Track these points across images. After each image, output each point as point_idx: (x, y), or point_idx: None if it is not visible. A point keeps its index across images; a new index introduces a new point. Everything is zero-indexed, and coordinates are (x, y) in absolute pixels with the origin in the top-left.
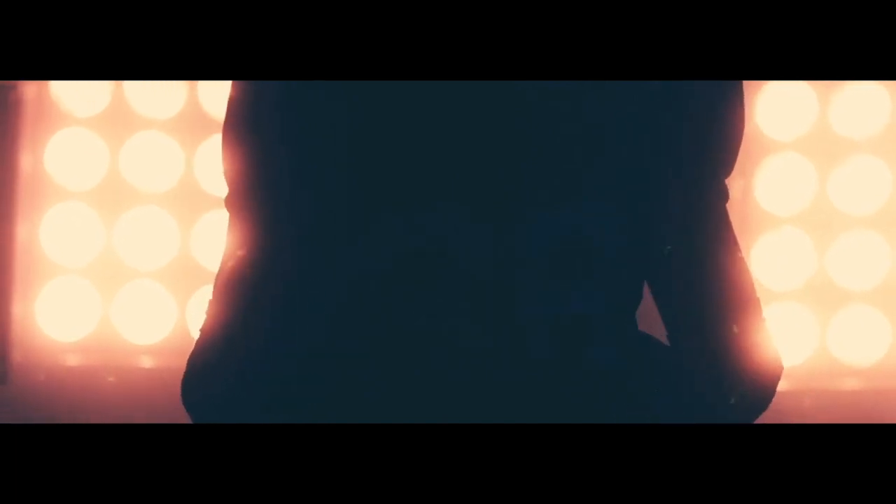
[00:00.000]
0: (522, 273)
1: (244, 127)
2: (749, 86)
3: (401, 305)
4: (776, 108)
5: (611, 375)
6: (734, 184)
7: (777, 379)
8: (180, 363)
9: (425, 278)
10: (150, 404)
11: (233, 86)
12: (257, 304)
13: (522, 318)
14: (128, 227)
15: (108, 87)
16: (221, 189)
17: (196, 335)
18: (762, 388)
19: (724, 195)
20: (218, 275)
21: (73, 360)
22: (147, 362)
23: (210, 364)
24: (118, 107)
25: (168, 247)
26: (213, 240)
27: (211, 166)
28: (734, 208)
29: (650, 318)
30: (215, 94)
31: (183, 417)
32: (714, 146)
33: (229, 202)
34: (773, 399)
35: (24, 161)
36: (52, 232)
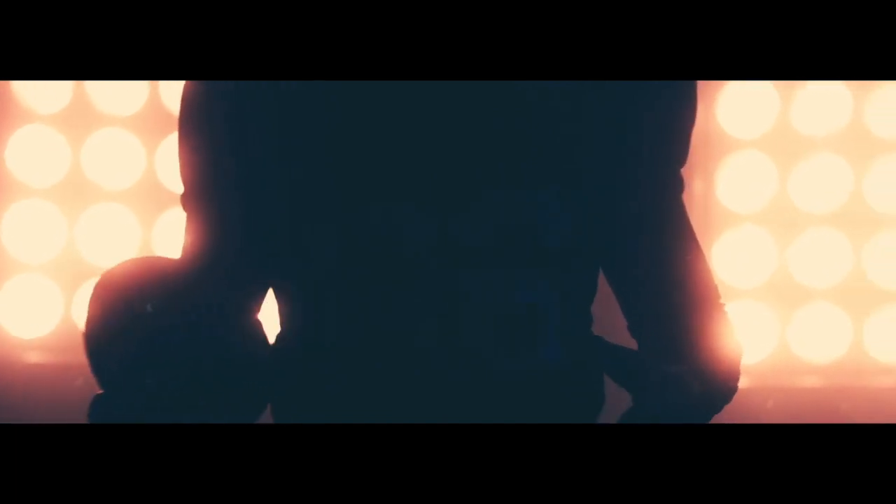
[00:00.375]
0: (470, 266)
1: (197, 126)
2: (711, 85)
3: (350, 301)
4: (738, 106)
5: (561, 374)
6: (696, 182)
7: (737, 373)
8: None
9: (373, 272)
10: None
11: (186, 85)
12: (205, 299)
13: (470, 312)
14: (89, 224)
15: (70, 85)
16: (180, 187)
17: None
18: (722, 383)
19: (680, 186)
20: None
21: (34, 358)
22: None
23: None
24: (80, 104)
25: (129, 243)
26: (174, 237)
27: (173, 163)
28: (696, 206)
29: (609, 314)
30: (177, 92)
31: (151, 418)
32: (667, 140)
33: (184, 201)
34: (734, 396)
35: None
36: (13, 229)
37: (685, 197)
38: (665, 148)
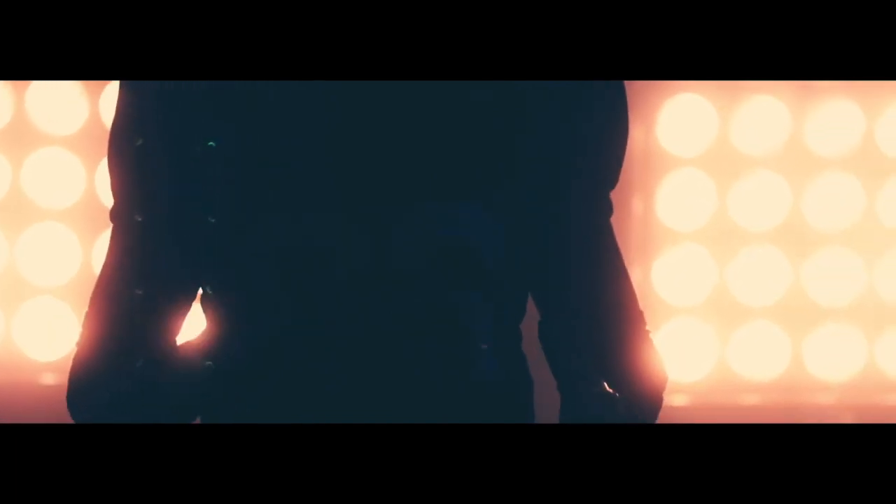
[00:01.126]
0: (404, 281)
1: (121, 132)
2: (649, 102)
3: (282, 310)
4: (677, 124)
5: (494, 386)
6: (635, 200)
7: (662, 391)
8: None
9: (304, 283)
10: (51, 421)
11: (118, 91)
12: (138, 307)
13: (402, 322)
14: (30, 244)
15: (10, 102)
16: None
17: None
18: (648, 400)
19: (609, 210)
20: (97, 285)
21: (50, 381)
22: (49, 379)
23: (93, 373)
24: (20, 123)
25: (70, 263)
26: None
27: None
28: (636, 224)
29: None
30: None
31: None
32: (597, 163)
33: (112, 212)
34: (661, 412)
35: None
36: (27, 252)
37: (616, 219)
38: (595, 170)
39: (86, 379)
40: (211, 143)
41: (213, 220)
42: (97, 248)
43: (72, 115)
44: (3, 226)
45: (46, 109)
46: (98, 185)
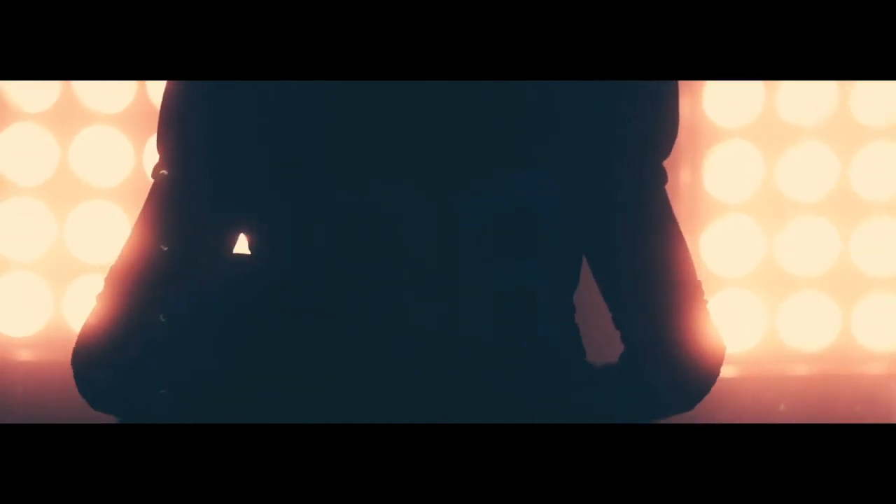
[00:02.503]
0: (466, 249)
1: (171, 125)
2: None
3: (343, 287)
4: (724, 96)
5: (557, 354)
6: (683, 172)
7: (719, 361)
8: None
9: (369, 256)
10: None
11: (167, 85)
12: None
13: (466, 294)
14: (79, 222)
15: (57, 84)
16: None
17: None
18: (703, 374)
19: (663, 178)
20: (118, 267)
21: (25, 356)
22: None
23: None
24: (67, 102)
25: (119, 240)
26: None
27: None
28: (684, 196)
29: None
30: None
31: (142, 417)
32: (650, 134)
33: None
34: (717, 384)
35: None
36: (2, 227)
37: (669, 188)
38: (648, 141)
39: (98, 345)
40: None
41: (277, 194)
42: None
43: (120, 93)
44: (52, 205)
45: (94, 87)
46: (146, 163)
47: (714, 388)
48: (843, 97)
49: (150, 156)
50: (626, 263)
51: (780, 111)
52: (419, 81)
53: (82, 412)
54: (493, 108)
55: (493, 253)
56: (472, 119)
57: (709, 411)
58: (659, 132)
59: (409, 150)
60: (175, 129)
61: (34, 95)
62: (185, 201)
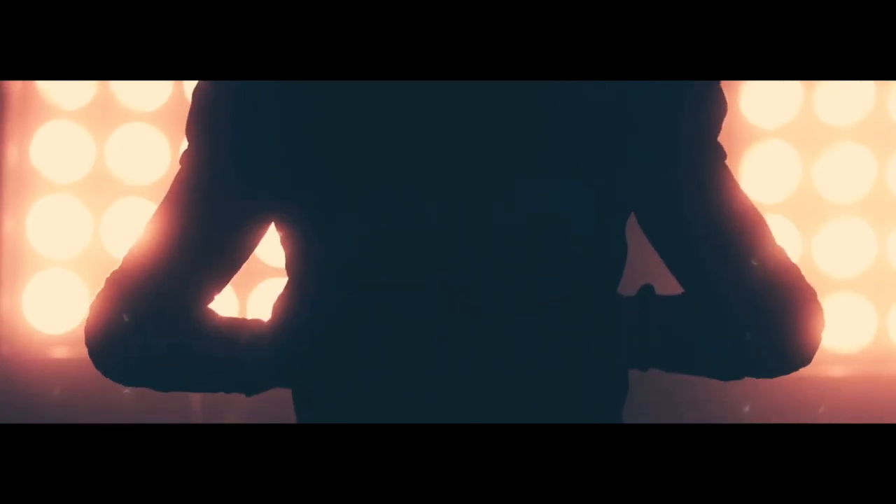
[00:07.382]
0: (501, 253)
1: (198, 125)
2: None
3: (372, 290)
4: (761, 97)
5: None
6: None
7: (815, 345)
8: None
9: (397, 260)
10: (140, 397)
11: (196, 85)
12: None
13: (495, 301)
14: (114, 219)
15: (93, 82)
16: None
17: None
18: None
19: (722, 154)
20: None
21: (60, 353)
22: None
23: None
24: (103, 100)
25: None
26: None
27: None
28: None
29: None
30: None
31: (176, 417)
32: (701, 134)
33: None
34: (754, 386)
35: (10, 154)
36: (38, 225)
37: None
38: (703, 127)
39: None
40: None
41: (312, 200)
42: None
43: (155, 91)
44: (88, 202)
45: (130, 85)
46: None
47: (750, 391)
48: (881, 98)
49: None
50: (694, 227)
51: (817, 111)
52: (455, 82)
53: (117, 409)
54: (543, 108)
55: (527, 259)
56: (517, 119)
57: (745, 413)
58: (705, 112)
59: (441, 152)
60: (204, 120)
61: (70, 93)
62: (211, 188)
